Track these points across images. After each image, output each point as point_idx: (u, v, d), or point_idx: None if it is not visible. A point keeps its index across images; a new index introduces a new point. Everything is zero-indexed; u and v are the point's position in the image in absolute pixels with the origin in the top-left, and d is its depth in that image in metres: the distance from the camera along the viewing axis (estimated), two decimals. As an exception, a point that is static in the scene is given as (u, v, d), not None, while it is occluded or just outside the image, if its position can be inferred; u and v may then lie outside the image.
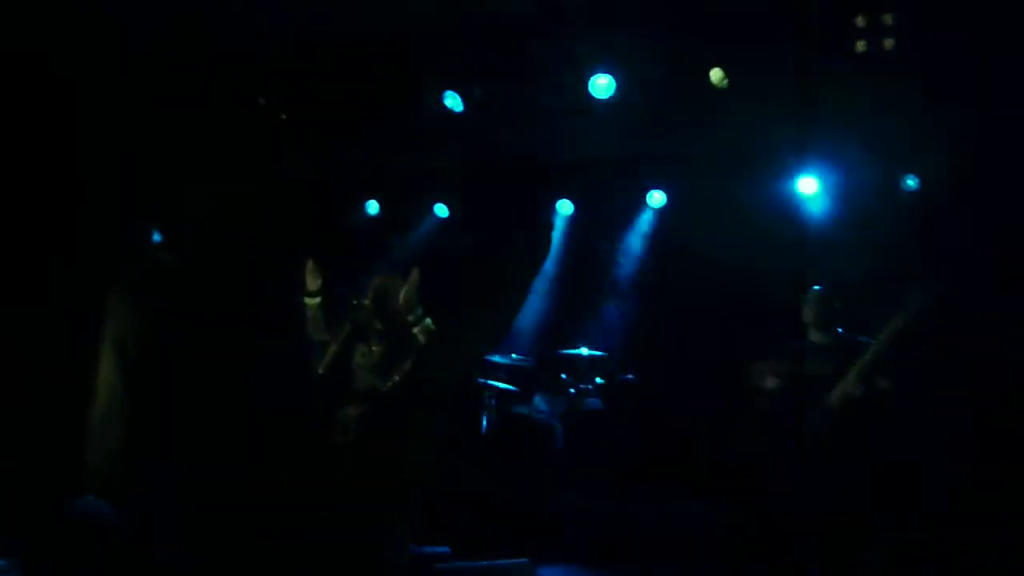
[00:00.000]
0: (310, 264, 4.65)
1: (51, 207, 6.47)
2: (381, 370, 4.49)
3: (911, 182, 6.05)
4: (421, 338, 4.39)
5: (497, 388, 7.16)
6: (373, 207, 7.68)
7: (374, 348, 4.51)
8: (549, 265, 7.68)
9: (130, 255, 7.12)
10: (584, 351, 7.07)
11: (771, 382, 4.60)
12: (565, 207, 7.27)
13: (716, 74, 5.14)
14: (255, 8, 5.30)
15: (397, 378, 4.34)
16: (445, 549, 6.00)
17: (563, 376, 7.24)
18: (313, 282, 4.66)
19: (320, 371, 4.55)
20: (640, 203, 7.07)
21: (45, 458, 5.94)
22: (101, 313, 6.58)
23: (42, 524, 3.84)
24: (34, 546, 3.76)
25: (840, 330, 4.53)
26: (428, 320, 4.40)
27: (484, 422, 7.03)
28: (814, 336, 4.59)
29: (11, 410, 5.89)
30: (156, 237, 7.58)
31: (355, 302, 4.54)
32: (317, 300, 4.67)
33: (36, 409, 6.06)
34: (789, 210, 6.43)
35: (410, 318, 4.42)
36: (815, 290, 4.64)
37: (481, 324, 0.82)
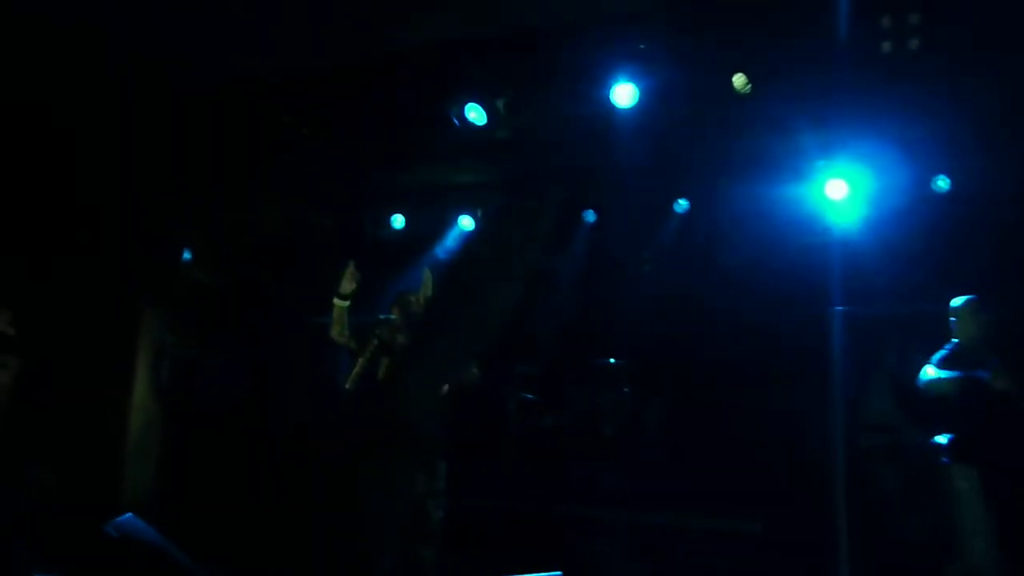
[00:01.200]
0: (351, 267, 4.67)
1: (84, 228, 6.61)
2: (409, 384, 4.52)
3: (943, 183, 5.95)
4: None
5: (522, 398, 7.16)
6: (399, 221, 7.71)
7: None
8: (574, 272, 7.68)
9: (164, 274, 7.24)
10: (611, 360, 7.04)
11: None
12: (588, 216, 7.25)
13: (739, 80, 5.09)
14: (276, 27, 5.38)
15: None
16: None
17: (590, 386, 7.21)
18: (348, 285, 4.69)
19: (348, 386, 4.59)
20: (665, 211, 7.02)
21: (82, 474, 6.04)
22: (136, 331, 6.69)
23: (82, 542, 3.90)
24: (75, 564, 3.82)
25: None
26: None
27: (509, 433, 7.03)
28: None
29: (47, 425, 6.00)
30: (188, 256, 7.70)
31: (381, 317, 4.59)
32: (347, 304, 4.70)
33: (72, 425, 6.16)
34: (816, 216, 6.35)
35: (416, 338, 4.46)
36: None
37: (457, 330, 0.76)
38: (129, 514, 4.41)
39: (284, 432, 7.81)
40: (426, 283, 4.49)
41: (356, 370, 4.57)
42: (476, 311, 2.65)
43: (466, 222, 7.61)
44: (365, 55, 5.66)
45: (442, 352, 4.69)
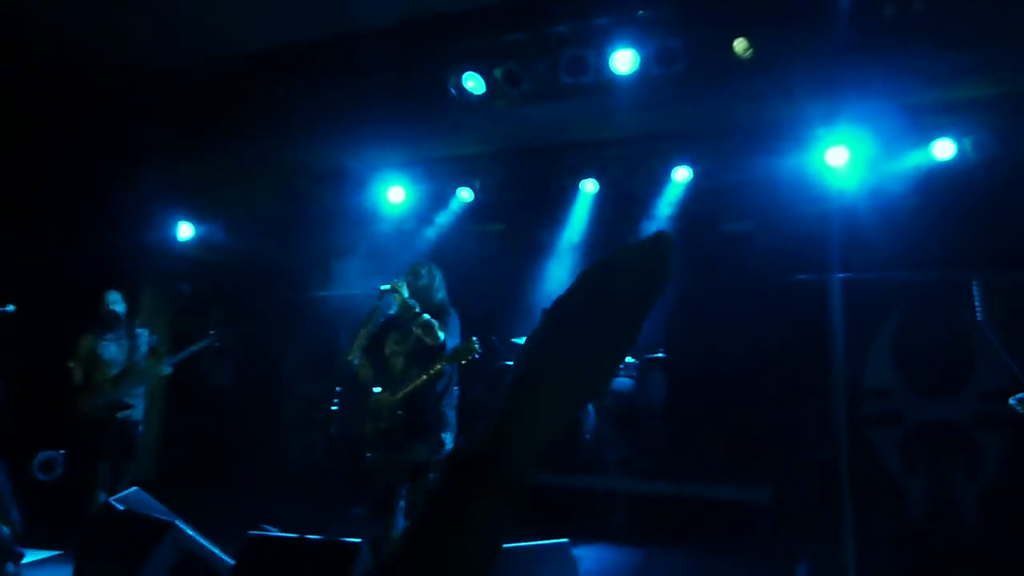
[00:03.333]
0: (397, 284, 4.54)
1: (82, 204, 6.56)
2: (415, 356, 4.52)
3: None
4: (420, 333, 4.41)
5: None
6: (398, 194, 7.66)
7: (407, 334, 4.53)
8: (575, 242, 7.66)
9: (159, 250, 7.21)
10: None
11: None
12: (589, 186, 7.20)
13: (740, 44, 5.03)
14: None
15: (432, 372, 4.36)
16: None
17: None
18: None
19: (350, 357, 4.58)
20: (665, 180, 6.97)
21: (84, 451, 6.05)
22: (136, 306, 6.66)
23: (90, 516, 3.92)
24: (85, 538, 3.84)
25: None
26: (426, 316, 4.41)
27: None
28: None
29: (49, 405, 6.01)
30: (185, 232, 7.67)
31: (382, 288, 4.56)
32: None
33: (75, 403, 6.14)
34: (818, 183, 6.32)
35: (408, 316, 4.45)
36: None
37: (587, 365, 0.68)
38: (135, 488, 4.43)
39: (288, 406, 7.84)
40: (399, 288, 4.48)
41: (358, 341, 4.56)
42: None
43: (464, 194, 7.57)
44: (362, 25, 5.58)
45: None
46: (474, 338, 4.34)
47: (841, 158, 6.16)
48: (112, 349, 5.53)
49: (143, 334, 5.67)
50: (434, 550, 0.77)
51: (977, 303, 4.38)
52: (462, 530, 0.77)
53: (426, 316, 4.43)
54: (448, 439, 4.51)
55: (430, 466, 4.41)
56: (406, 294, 4.51)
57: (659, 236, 0.84)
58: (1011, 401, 3.95)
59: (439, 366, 4.37)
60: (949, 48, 4.91)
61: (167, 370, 5.60)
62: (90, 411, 5.37)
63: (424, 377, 4.37)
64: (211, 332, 5.81)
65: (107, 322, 5.55)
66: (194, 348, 5.68)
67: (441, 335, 4.42)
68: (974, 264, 5.68)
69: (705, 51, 5.20)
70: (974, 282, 4.42)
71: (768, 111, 6.03)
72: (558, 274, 7.62)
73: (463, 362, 4.39)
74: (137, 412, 5.55)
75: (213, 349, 5.80)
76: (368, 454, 4.61)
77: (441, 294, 4.75)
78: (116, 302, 5.63)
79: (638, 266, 0.83)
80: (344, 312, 7.31)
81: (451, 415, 4.56)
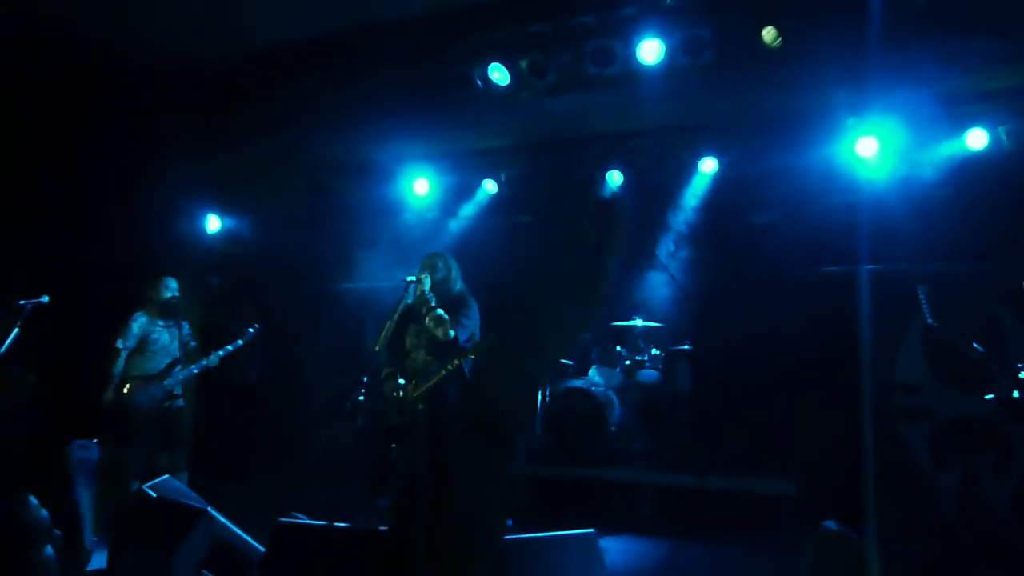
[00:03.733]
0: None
1: (110, 200, 6.67)
2: (435, 350, 4.53)
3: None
4: (431, 326, 4.43)
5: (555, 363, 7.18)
6: (423, 187, 7.69)
7: (424, 327, 4.54)
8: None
9: (188, 244, 7.31)
10: (639, 322, 7.02)
11: None
12: (615, 177, 7.17)
13: (769, 33, 4.96)
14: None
15: (450, 366, 4.36)
16: (508, 522, 6.08)
17: (618, 348, 7.21)
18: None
19: (376, 348, 4.60)
20: (692, 170, 6.93)
21: (117, 442, 6.16)
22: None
23: (123, 502, 4.00)
24: (119, 524, 3.92)
25: None
26: (439, 310, 4.43)
27: (540, 397, 7.05)
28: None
29: (85, 396, 6.12)
30: (213, 226, 7.76)
31: (408, 279, 4.58)
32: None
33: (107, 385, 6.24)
34: (847, 174, 6.24)
35: (423, 309, 4.47)
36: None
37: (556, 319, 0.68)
38: (166, 475, 4.51)
39: (314, 397, 7.92)
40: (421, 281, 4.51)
41: (384, 332, 4.58)
42: None
43: (489, 186, 7.58)
44: (387, 17, 5.60)
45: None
46: (490, 335, 4.34)
47: (871, 149, 6.08)
48: (164, 337, 5.53)
49: (186, 325, 5.70)
50: (436, 487, 0.80)
51: (925, 307, 4.32)
52: (457, 468, 0.81)
53: (439, 311, 4.44)
54: None
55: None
56: (428, 286, 4.53)
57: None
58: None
59: (457, 361, 4.38)
60: (984, 35, 4.81)
61: (214, 362, 5.59)
62: (136, 402, 5.33)
63: (443, 372, 4.38)
64: (255, 325, 5.82)
65: (164, 309, 5.54)
66: (240, 341, 5.69)
67: (452, 332, 4.43)
68: (1008, 256, 5.59)
69: (733, 40, 5.12)
70: (919, 287, 4.36)
71: (797, 101, 5.96)
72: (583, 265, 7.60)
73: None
74: (181, 401, 5.57)
75: (253, 343, 5.80)
76: (393, 445, 4.65)
77: (459, 285, 4.76)
78: (174, 289, 5.63)
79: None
80: (370, 304, 7.36)
81: None
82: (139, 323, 5.48)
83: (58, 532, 3.43)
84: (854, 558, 1.37)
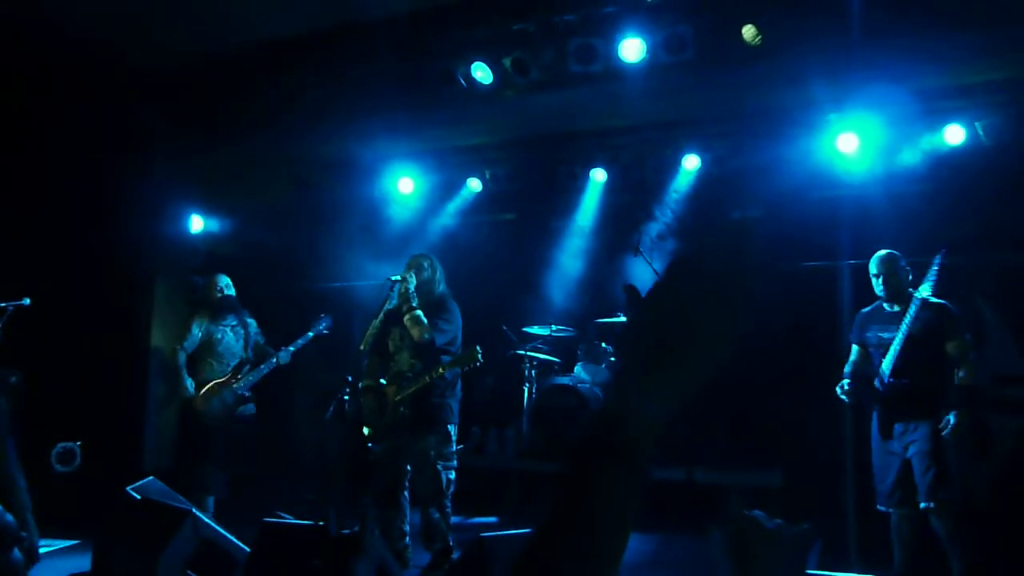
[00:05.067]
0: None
1: (97, 199, 6.63)
2: (418, 351, 4.54)
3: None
4: (408, 326, 4.44)
5: (538, 359, 7.20)
6: (407, 185, 7.68)
7: (405, 324, 4.55)
8: (585, 233, 7.66)
9: (172, 243, 7.27)
10: (623, 319, 7.06)
11: None
12: (598, 175, 7.20)
13: (749, 31, 5.00)
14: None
15: (434, 373, 4.37)
16: (492, 519, 6.11)
17: (604, 345, 7.25)
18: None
19: (362, 347, 4.62)
20: (675, 167, 6.97)
21: (105, 441, 6.14)
22: (151, 299, 6.74)
23: (109, 505, 3.98)
24: (104, 526, 3.91)
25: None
26: (418, 312, 4.44)
27: (526, 394, 7.08)
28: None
29: (69, 398, 6.08)
30: (197, 225, 7.72)
31: (392, 278, 4.60)
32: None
33: (93, 396, 6.24)
34: (828, 169, 6.30)
35: (403, 308, 4.48)
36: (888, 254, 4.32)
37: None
38: (151, 477, 4.50)
39: (300, 395, 7.89)
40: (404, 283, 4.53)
41: (369, 331, 4.59)
42: None
43: (474, 184, 7.59)
44: (371, 14, 5.59)
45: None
46: (477, 347, 4.35)
47: (851, 145, 6.14)
48: (229, 337, 5.32)
49: (252, 323, 5.48)
50: (566, 527, 0.79)
51: (933, 277, 4.30)
52: (591, 506, 0.80)
53: (418, 312, 4.46)
54: (453, 430, 4.55)
55: (437, 456, 4.45)
56: (412, 286, 4.54)
57: (739, 226, 0.87)
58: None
59: (441, 370, 4.40)
60: (961, 30, 4.86)
61: (286, 359, 5.35)
62: (209, 409, 5.10)
63: (427, 379, 4.39)
64: (322, 316, 5.60)
65: (221, 308, 5.33)
66: (309, 334, 5.45)
67: (428, 335, 4.44)
68: (987, 250, 5.66)
69: (714, 38, 5.17)
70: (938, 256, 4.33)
71: (778, 97, 6.01)
72: (568, 263, 7.64)
73: (465, 368, 4.41)
74: (251, 406, 5.33)
75: (323, 336, 5.59)
76: (371, 445, 4.66)
77: (442, 287, 4.76)
78: (228, 286, 5.44)
79: (722, 263, 0.85)
80: (357, 302, 7.35)
81: (455, 406, 4.60)
82: (199, 325, 5.27)
83: (24, 534, 3.42)
84: (767, 543, 1.36)
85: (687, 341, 0.84)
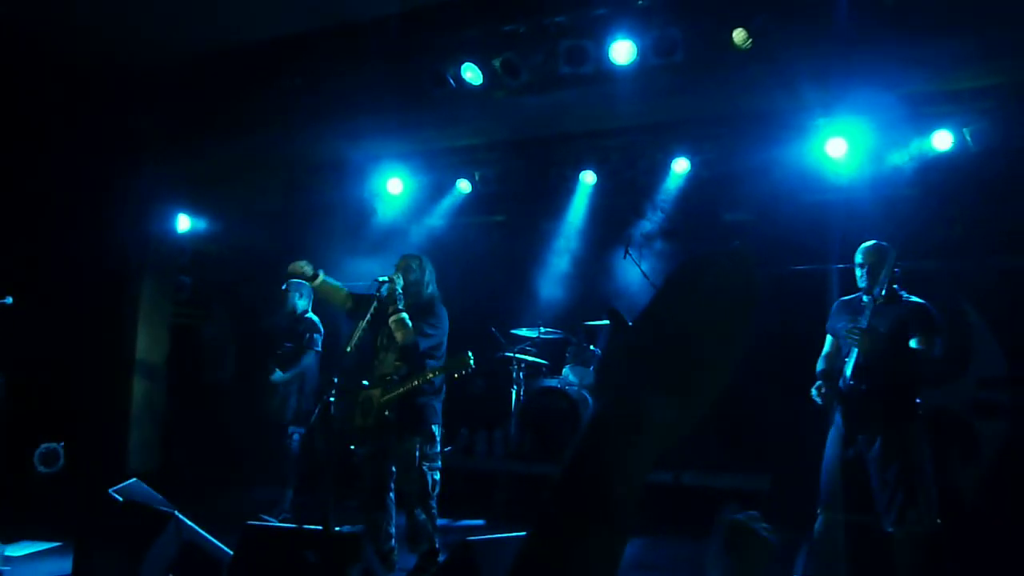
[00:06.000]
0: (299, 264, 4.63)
1: (84, 198, 6.57)
2: (405, 354, 4.50)
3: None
4: (392, 328, 4.42)
5: (527, 362, 7.18)
6: (396, 186, 7.66)
7: (395, 332, 4.51)
8: (574, 235, 7.65)
9: (160, 243, 7.22)
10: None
11: None
12: (588, 176, 7.19)
13: (739, 35, 5.01)
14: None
15: (421, 380, 4.33)
16: (480, 522, 6.08)
17: (592, 348, 7.23)
18: (307, 269, 4.67)
19: (348, 349, 4.58)
20: (665, 169, 6.97)
21: (87, 443, 6.08)
22: (137, 300, 6.69)
23: (91, 507, 3.94)
24: (85, 529, 3.86)
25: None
26: (403, 314, 4.41)
27: (514, 396, 7.06)
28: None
29: (53, 397, 6.02)
30: (184, 225, 7.67)
31: (380, 279, 4.56)
32: (320, 280, 4.70)
33: (77, 395, 6.19)
34: (817, 173, 6.31)
35: (389, 308, 4.45)
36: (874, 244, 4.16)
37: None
38: (134, 479, 4.45)
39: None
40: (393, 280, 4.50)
41: (355, 334, 4.55)
42: None
43: (463, 185, 7.57)
44: (361, 15, 5.57)
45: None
46: (469, 353, 4.32)
47: (840, 149, 6.16)
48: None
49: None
50: None
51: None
52: (575, 560, 0.73)
53: (403, 314, 4.42)
54: (438, 431, 4.52)
55: (421, 457, 4.42)
56: (400, 287, 4.51)
57: (736, 254, 0.80)
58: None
59: (430, 375, 4.37)
60: (949, 36, 4.88)
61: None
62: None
63: (414, 383, 4.36)
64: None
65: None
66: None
67: (411, 339, 4.40)
68: (974, 254, 5.69)
69: (704, 41, 5.17)
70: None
71: (767, 101, 6.02)
72: (557, 265, 7.63)
73: (457, 375, 4.38)
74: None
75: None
76: (353, 447, 4.62)
77: (431, 289, 4.71)
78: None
79: (722, 285, 0.80)
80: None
81: (439, 407, 4.56)
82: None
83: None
84: (763, 547, 1.34)
85: (699, 357, 0.79)
